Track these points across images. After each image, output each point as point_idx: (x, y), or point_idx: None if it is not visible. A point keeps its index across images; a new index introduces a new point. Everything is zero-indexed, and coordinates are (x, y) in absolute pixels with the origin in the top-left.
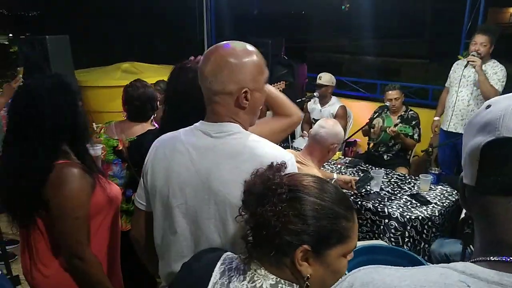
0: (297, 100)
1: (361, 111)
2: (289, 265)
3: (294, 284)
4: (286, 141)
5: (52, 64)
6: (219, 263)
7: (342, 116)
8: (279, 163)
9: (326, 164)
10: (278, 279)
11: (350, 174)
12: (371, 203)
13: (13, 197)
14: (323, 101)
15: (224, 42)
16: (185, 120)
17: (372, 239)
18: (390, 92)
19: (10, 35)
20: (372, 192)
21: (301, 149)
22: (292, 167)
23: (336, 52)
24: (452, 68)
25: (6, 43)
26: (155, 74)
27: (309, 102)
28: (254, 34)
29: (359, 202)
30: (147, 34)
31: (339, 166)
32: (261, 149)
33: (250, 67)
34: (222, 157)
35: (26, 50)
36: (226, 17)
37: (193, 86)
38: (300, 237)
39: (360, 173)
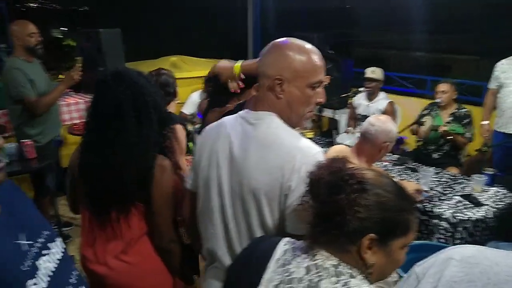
0: (342, 95)
1: (409, 107)
2: (353, 252)
3: (355, 269)
4: (329, 136)
5: (105, 56)
6: (282, 243)
7: (390, 112)
8: (341, 156)
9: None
10: (340, 261)
11: (397, 172)
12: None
13: (110, 189)
14: (371, 96)
15: (289, 38)
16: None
17: (420, 240)
18: (439, 84)
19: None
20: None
21: (351, 146)
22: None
23: (383, 47)
24: (498, 69)
25: (61, 36)
26: (201, 68)
27: (354, 97)
28: (300, 29)
29: None
30: (194, 28)
31: (385, 163)
32: (289, 140)
33: (295, 62)
34: (253, 144)
35: (81, 42)
36: (271, 11)
37: None
38: (368, 225)
39: (408, 171)
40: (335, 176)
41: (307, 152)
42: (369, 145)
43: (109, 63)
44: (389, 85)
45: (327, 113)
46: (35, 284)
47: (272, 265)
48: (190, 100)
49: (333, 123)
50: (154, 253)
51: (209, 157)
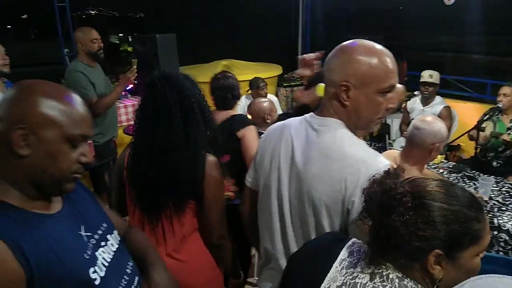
0: None
1: (467, 112)
2: (418, 268)
3: (419, 285)
4: (382, 141)
5: (160, 60)
6: (348, 243)
7: (446, 117)
8: (395, 168)
9: (426, 168)
10: (405, 275)
11: (454, 180)
12: None
13: (162, 189)
14: (427, 101)
15: (358, 40)
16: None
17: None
18: (502, 87)
19: (121, 35)
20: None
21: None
22: None
23: (438, 49)
24: None
25: (117, 42)
26: (251, 71)
27: (408, 102)
28: (351, 31)
29: None
30: (245, 32)
31: (441, 170)
32: (353, 151)
33: (363, 67)
34: (316, 151)
35: (138, 47)
36: (321, 14)
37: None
38: (431, 242)
39: (466, 179)
40: (386, 195)
41: (373, 166)
42: (417, 149)
43: (164, 67)
44: (445, 89)
45: None
46: (95, 272)
47: (336, 265)
48: (239, 104)
49: (385, 128)
50: (205, 249)
51: (271, 158)
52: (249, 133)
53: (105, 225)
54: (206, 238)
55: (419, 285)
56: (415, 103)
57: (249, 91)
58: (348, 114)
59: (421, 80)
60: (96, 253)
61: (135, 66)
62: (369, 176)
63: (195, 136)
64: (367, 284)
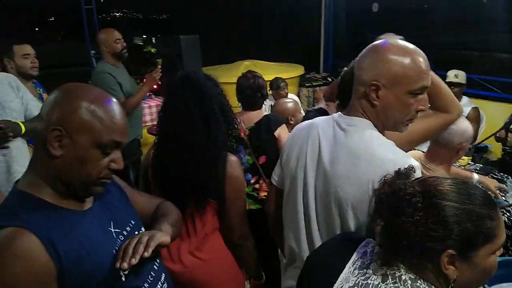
0: None
1: (495, 113)
2: (431, 268)
3: (433, 287)
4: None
5: (184, 61)
6: (362, 243)
7: (474, 119)
8: (406, 168)
9: (453, 166)
10: (418, 277)
11: None
12: (506, 215)
13: (184, 188)
14: None
15: (390, 39)
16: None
17: (505, 256)
18: None
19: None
20: (507, 203)
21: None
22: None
23: (464, 48)
24: None
25: (141, 43)
26: (273, 71)
27: None
28: (373, 31)
29: None
30: (267, 32)
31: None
32: (381, 152)
33: (395, 67)
34: (343, 150)
35: (162, 48)
36: (343, 13)
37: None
38: (443, 242)
39: None
40: (396, 196)
41: (401, 167)
42: (444, 150)
43: (187, 68)
44: (471, 89)
45: None
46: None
47: (349, 265)
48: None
49: None
50: (226, 249)
51: (297, 157)
52: (284, 131)
53: (133, 222)
54: (227, 237)
55: (433, 287)
56: None
57: (270, 92)
58: (376, 114)
59: (447, 80)
60: None
61: (160, 66)
62: None
63: (215, 136)
64: (379, 286)
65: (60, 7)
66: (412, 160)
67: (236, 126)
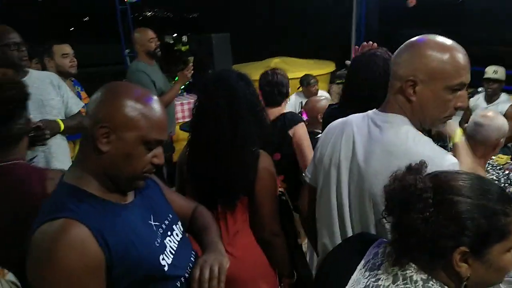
0: None
1: None
2: (443, 266)
3: (446, 287)
4: (440, 140)
5: (215, 59)
6: (374, 244)
7: None
8: (418, 163)
9: (491, 169)
10: (430, 277)
11: None
12: None
13: (216, 184)
14: (491, 98)
15: (428, 35)
16: (361, 106)
17: None
18: None
19: (175, 35)
20: None
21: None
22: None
23: (504, 43)
24: None
25: (172, 42)
26: (303, 68)
27: (471, 99)
28: (407, 26)
29: None
30: (297, 29)
31: (507, 172)
32: (418, 149)
33: (433, 62)
34: (378, 147)
35: (194, 46)
36: (375, 9)
37: (379, 74)
38: (456, 239)
39: None
40: (406, 192)
41: (439, 164)
42: (481, 147)
43: (218, 66)
44: (510, 85)
45: None
46: (163, 259)
47: (360, 267)
48: (290, 102)
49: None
50: (257, 245)
51: (331, 154)
52: (299, 130)
53: (171, 216)
54: (258, 234)
55: (446, 287)
56: (478, 100)
57: (300, 88)
58: (413, 110)
59: (485, 76)
60: (165, 241)
61: (191, 64)
62: None
63: (243, 134)
64: (389, 287)
65: (95, 8)
66: (450, 157)
67: (266, 125)
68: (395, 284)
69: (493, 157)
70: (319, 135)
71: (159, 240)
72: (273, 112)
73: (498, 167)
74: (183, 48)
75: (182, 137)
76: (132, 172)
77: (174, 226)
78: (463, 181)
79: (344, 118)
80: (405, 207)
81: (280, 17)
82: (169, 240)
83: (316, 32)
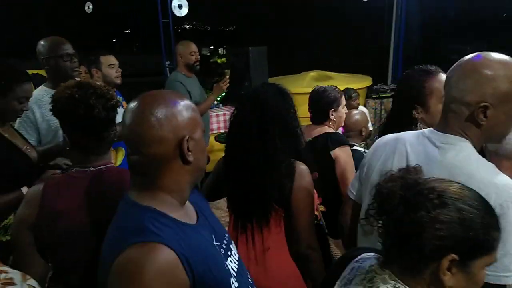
0: None
1: None
2: (426, 275)
3: None
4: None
5: (252, 72)
6: (354, 260)
7: None
8: (414, 166)
9: None
10: (398, 285)
11: None
12: None
13: (251, 198)
14: None
15: (481, 53)
16: (405, 124)
17: None
18: None
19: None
20: None
21: None
22: None
23: None
24: None
25: (208, 54)
26: (339, 82)
27: None
28: (450, 40)
29: None
30: (335, 43)
31: None
32: (482, 174)
33: (502, 84)
34: (437, 169)
35: (232, 59)
36: (416, 20)
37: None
38: (449, 245)
39: None
40: (411, 190)
41: (505, 191)
42: (506, 161)
43: (254, 79)
44: None
45: None
46: (233, 283)
47: (338, 282)
48: None
49: None
50: (290, 259)
51: (380, 171)
52: (344, 153)
53: (226, 234)
54: (294, 247)
55: None
56: None
57: None
58: (480, 134)
59: None
60: (226, 263)
61: (227, 76)
62: (499, 204)
63: (272, 150)
64: None
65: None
66: None
67: (301, 141)
68: None
69: None
70: (357, 149)
71: (225, 262)
72: (317, 130)
73: None
74: (219, 60)
75: (216, 148)
76: (203, 168)
77: (231, 246)
78: (463, 190)
79: (395, 135)
80: (411, 205)
81: (317, 31)
82: (230, 261)
83: (352, 45)
